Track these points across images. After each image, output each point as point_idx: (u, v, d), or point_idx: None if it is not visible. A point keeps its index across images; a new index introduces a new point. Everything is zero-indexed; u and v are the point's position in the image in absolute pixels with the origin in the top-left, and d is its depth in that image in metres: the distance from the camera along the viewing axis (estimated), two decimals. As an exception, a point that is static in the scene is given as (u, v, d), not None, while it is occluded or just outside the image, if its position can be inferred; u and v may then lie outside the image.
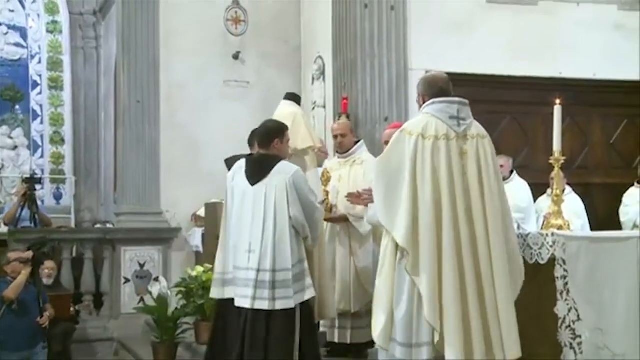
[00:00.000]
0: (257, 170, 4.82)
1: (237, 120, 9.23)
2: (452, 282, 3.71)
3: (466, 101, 4.03)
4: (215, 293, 4.97)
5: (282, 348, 4.61)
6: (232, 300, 4.79)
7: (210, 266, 6.51)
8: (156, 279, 8.17)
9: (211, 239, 6.97)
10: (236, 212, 4.87)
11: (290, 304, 4.63)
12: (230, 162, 5.30)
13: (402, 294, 3.80)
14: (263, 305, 4.63)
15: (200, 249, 8.61)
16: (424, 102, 4.04)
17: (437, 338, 3.69)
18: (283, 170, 4.77)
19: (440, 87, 4.03)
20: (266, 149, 4.87)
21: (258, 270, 4.66)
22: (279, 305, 4.62)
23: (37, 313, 6.52)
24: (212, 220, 6.96)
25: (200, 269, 6.62)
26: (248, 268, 4.71)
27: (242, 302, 4.73)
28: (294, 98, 6.90)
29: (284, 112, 6.28)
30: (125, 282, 8.71)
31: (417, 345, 3.75)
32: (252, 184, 4.80)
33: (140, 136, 8.94)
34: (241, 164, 4.96)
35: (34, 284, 6.59)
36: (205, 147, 9.15)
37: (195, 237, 8.88)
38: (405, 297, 3.79)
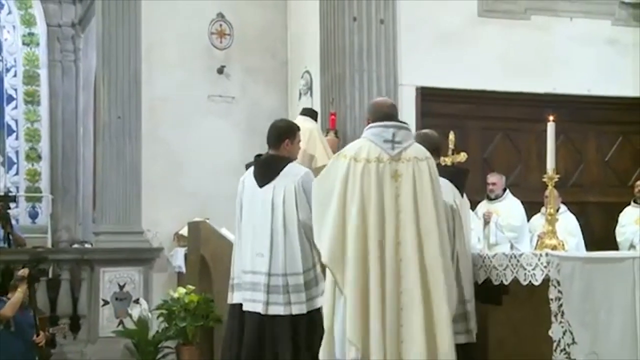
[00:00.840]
0: (265, 171, 4.83)
1: (221, 136, 9.26)
2: (374, 301, 3.90)
3: (405, 125, 4.23)
4: (228, 298, 5.00)
5: (311, 348, 4.58)
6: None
7: (193, 287, 6.52)
8: (136, 301, 8.14)
9: (194, 259, 6.96)
10: (245, 215, 4.90)
11: (302, 309, 4.65)
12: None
13: (338, 313, 4.01)
14: (278, 310, 4.65)
15: (183, 270, 8.57)
16: None
17: (359, 356, 3.86)
18: (292, 172, 4.77)
19: (384, 112, 4.28)
20: (276, 149, 4.87)
21: (269, 275, 4.67)
22: (295, 310, 4.64)
23: (33, 333, 6.48)
24: (195, 239, 6.95)
25: (182, 290, 6.60)
26: (256, 272, 4.73)
27: (253, 307, 4.73)
28: (310, 114, 6.96)
29: (300, 127, 6.32)
30: (103, 305, 8.65)
31: None
32: (261, 186, 4.81)
33: (120, 152, 8.92)
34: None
35: (29, 302, 6.55)
36: (188, 164, 9.14)
37: (178, 258, 8.84)
38: (339, 316, 3.99)
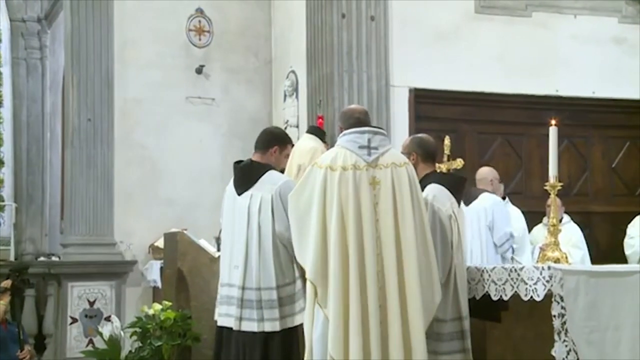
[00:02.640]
0: (244, 178, 4.86)
1: (200, 141, 9.26)
2: (355, 315, 3.98)
3: (380, 130, 4.33)
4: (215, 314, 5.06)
5: None
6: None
7: (170, 303, 6.50)
8: (108, 319, 8.11)
9: (170, 273, 6.95)
10: (225, 225, 4.95)
11: (275, 326, 4.67)
12: None
13: (316, 328, 4.12)
14: (251, 326, 4.67)
15: (159, 284, 8.55)
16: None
17: None
18: (270, 180, 4.80)
19: (356, 117, 4.39)
20: (261, 153, 4.91)
21: (243, 288, 4.71)
22: (268, 327, 4.66)
23: (17, 348, 6.44)
24: (171, 252, 6.94)
25: (158, 306, 6.58)
26: (232, 285, 4.77)
27: (226, 322, 4.78)
28: (318, 133, 6.98)
29: (304, 146, 6.33)
30: (72, 322, 8.62)
31: None
32: (239, 194, 4.84)
33: (91, 158, 8.91)
34: None
35: (13, 315, 6.50)
36: (164, 171, 9.13)
37: (153, 271, 8.83)
38: (318, 330, 4.11)
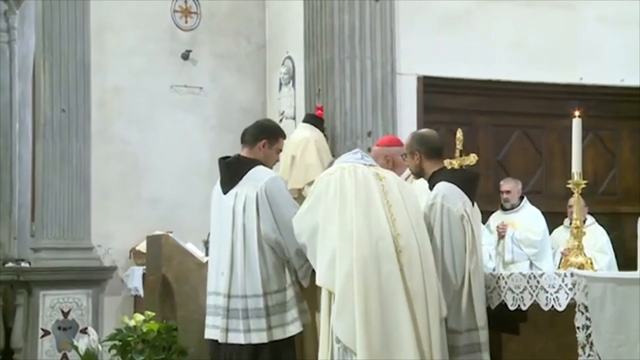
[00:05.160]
0: (229, 175, 4.89)
1: (186, 134, 9.27)
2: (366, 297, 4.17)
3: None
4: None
5: None
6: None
7: (153, 314, 6.52)
8: (84, 331, 8.12)
9: (154, 280, 6.96)
10: (212, 227, 4.99)
11: (263, 338, 4.68)
12: None
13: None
14: (238, 338, 4.69)
15: (140, 293, 8.58)
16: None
17: None
18: (256, 177, 4.81)
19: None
20: (249, 147, 4.94)
21: (229, 297, 4.73)
22: (255, 338, 4.67)
23: None
24: (155, 256, 6.95)
25: (139, 317, 6.59)
26: (218, 293, 4.79)
27: (212, 334, 4.81)
28: (314, 121, 6.98)
29: (297, 137, 6.34)
30: (43, 335, 8.62)
31: None
32: (224, 192, 4.87)
33: (65, 153, 8.90)
34: None
35: None
36: (147, 167, 9.15)
37: (134, 278, 8.85)
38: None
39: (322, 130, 6.98)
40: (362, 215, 4.26)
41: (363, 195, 4.33)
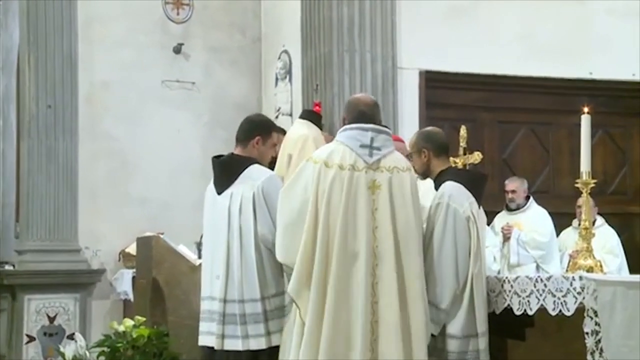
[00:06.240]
0: (223, 175, 4.88)
1: (178, 131, 9.27)
2: (329, 332, 4.15)
3: (386, 129, 4.46)
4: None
5: None
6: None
7: (143, 319, 6.52)
8: (71, 337, 8.12)
9: (144, 283, 6.97)
10: (205, 229, 4.98)
11: (261, 344, 4.68)
12: None
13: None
14: (235, 344, 4.69)
15: (130, 297, 8.57)
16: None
17: None
18: (252, 176, 4.81)
19: (360, 110, 4.48)
20: (243, 146, 4.93)
21: (225, 301, 4.72)
22: (254, 344, 4.67)
23: None
24: (145, 259, 6.96)
25: (129, 322, 6.60)
26: (214, 298, 4.78)
27: (207, 340, 4.79)
28: (311, 117, 6.98)
29: (294, 134, 6.33)
30: (28, 342, 8.63)
31: None
32: (219, 193, 4.87)
33: (51, 151, 8.91)
34: None
35: None
36: (136, 166, 9.14)
37: (124, 281, 8.85)
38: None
39: (320, 127, 6.99)
40: (328, 236, 4.21)
41: (340, 213, 4.22)
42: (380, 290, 4.19)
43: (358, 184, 4.26)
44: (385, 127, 4.47)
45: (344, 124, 4.46)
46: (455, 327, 4.41)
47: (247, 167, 4.83)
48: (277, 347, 4.73)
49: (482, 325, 4.45)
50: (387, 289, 4.19)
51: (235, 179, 4.82)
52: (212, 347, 4.78)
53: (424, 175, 4.76)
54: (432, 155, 4.71)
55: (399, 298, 4.19)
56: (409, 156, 4.83)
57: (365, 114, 4.43)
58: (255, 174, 4.81)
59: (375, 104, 4.58)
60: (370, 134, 4.33)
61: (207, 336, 4.82)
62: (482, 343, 4.44)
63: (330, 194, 4.23)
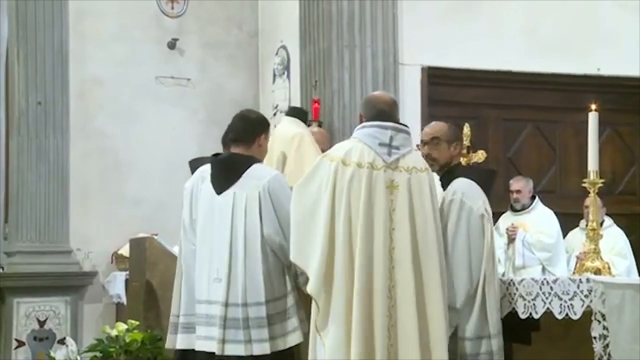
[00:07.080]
0: (224, 174, 4.87)
1: (173, 128, 9.26)
2: (360, 339, 4.13)
3: (405, 128, 4.46)
4: (167, 342, 5.11)
5: None
6: (192, 350, 4.88)
7: (136, 323, 6.53)
8: (62, 341, 8.12)
9: (137, 286, 6.97)
10: (200, 230, 4.95)
11: (265, 349, 4.67)
12: (195, 165, 5.38)
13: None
14: (237, 349, 4.68)
15: (123, 300, 8.57)
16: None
17: None
18: (256, 175, 4.81)
19: (380, 108, 4.50)
20: (246, 145, 4.91)
21: (226, 305, 4.71)
22: (257, 349, 4.67)
23: None
24: (139, 261, 6.97)
25: (122, 326, 6.60)
26: (212, 301, 4.77)
27: (206, 346, 4.78)
28: (299, 114, 7.00)
29: (287, 132, 6.35)
30: (17, 347, 8.63)
31: None
32: (219, 193, 4.86)
33: (42, 149, 8.90)
34: (208, 167, 5.04)
35: None
36: (130, 164, 9.14)
37: (116, 284, 8.84)
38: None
39: (306, 124, 7.01)
40: (350, 238, 4.23)
41: (361, 213, 4.24)
42: (398, 294, 4.21)
43: (377, 182, 4.29)
44: (404, 125, 4.49)
45: (361, 122, 4.49)
46: (467, 328, 4.41)
47: (250, 166, 4.83)
48: (280, 352, 4.72)
49: (494, 327, 4.45)
50: (404, 293, 4.22)
51: (238, 178, 4.82)
52: (210, 352, 4.76)
53: (442, 167, 4.72)
54: (461, 150, 4.79)
55: (416, 302, 4.21)
56: (418, 146, 4.83)
57: (385, 112, 4.46)
58: (259, 173, 4.82)
59: (395, 103, 4.61)
60: (390, 132, 4.37)
61: (206, 341, 4.80)
62: (496, 344, 4.45)
63: (350, 192, 4.26)
